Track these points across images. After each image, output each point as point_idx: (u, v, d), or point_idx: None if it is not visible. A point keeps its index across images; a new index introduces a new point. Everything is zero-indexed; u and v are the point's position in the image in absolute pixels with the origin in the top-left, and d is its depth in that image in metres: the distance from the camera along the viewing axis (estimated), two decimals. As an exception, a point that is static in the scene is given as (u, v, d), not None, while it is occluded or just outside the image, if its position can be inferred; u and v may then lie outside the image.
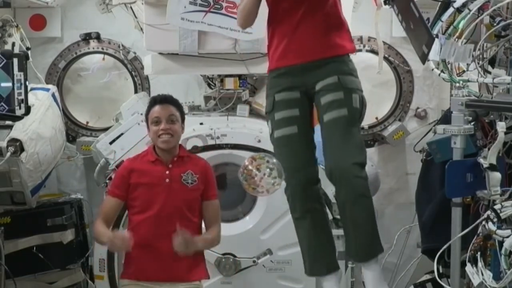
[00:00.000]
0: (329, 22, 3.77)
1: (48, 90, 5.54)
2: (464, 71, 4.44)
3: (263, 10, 3.80)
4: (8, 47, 5.41)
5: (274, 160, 3.56)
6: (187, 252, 4.12)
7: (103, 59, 6.39)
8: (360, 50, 6.19)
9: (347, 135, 3.54)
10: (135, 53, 6.30)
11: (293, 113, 3.71)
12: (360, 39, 6.19)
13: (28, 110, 4.73)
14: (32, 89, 5.15)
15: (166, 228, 4.17)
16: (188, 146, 4.89)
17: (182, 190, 4.30)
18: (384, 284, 3.66)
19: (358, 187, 3.59)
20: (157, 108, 4.33)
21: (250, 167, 3.55)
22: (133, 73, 6.34)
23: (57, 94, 5.70)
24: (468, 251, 3.93)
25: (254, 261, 5.09)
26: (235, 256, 5.09)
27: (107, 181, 5.02)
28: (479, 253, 3.84)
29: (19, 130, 4.90)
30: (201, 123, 5.22)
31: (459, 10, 4.23)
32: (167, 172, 4.31)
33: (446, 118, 4.74)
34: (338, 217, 5.05)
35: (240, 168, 3.60)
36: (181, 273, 4.28)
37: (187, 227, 4.16)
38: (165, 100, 4.40)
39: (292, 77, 3.73)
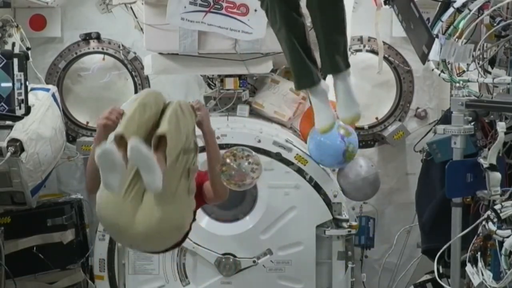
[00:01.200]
0: None
1: (48, 90, 5.54)
2: (464, 71, 4.45)
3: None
4: (8, 47, 5.40)
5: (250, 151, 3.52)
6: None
7: (103, 59, 6.37)
8: (360, 50, 6.19)
9: None
10: (135, 53, 6.29)
11: None
12: (360, 39, 6.18)
13: (28, 110, 4.73)
14: (32, 89, 5.14)
15: None
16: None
17: None
18: (354, 100, 3.58)
19: None
20: None
21: (230, 163, 3.52)
22: (133, 73, 6.33)
23: (57, 94, 5.69)
24: (468, 251, 3.93)
25: (254, 261, 5.08)
26: (235, 256, 5.08)
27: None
28: (479, 253, 3.85)
29: (19, 130, 4.90)
30: (201, 123, 5.22)
31: (459, 10, 4.24)
32: None
33: (446, 118, 4.75)
34: (339, 217, 5.08)
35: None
36: None
37: None
38: None
39: None
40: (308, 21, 3.59)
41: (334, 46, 3.53)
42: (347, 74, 3.57)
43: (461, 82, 4.38)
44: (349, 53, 3.66)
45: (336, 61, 3.53)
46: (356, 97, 3.56)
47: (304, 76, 3.59)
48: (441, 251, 4.16)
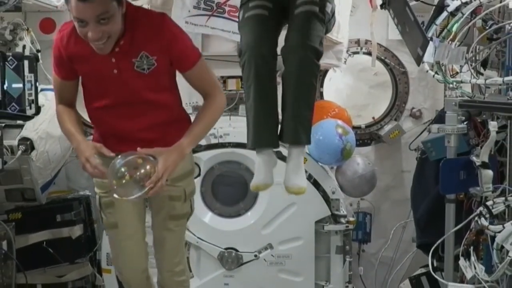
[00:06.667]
0: None
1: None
2: (457, 73, 4.45)
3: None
4: (19, 49, 5.38)
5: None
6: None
7: (111, 61, 6.37)
8: (357, 53, 6.18)
9: (312, 24, 3.36)
10: (141, 55, 6.28)
11: (267, 4, 3.49)
12: (358, 42, 6.17)
13: (38, 110, 4.73)
14: (42, 89, 5.13)
15: (128, 113, 3.43)
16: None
17: (136, 77, 3.35)
18: (302, 174, 3.42)
19: (307, 67, 3.34)
20: (78, 4, 3.09)
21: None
22: (139, 74, 6.33)
23: (66, 95, 5.68)
24: (462, 245, 3.94)
25: (255, 255, 5.08)
26: (237, 251, 5.09)
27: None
28: (472, 247, 3.86)
29: (30, 129, 4.90)
30: (205, 123, 5.21)
31: (452, 14, 4.24)
32: (113, 59, 3.31)
33: (440, 118, 4.75)
34: (337, 212, 5.08)
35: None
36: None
37: (157, 109, 3.46)
38: None
39: None
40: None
41: (301, 119, 3.39)
42: (305, 148, 3.46)
43: (454, 83, 4.38)
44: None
45: (299, 133, 3.39)
46: (303, 171, 3.43)
47: (263, 136, 3.43)
48: (435, 245, 4.16)
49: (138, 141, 3.40)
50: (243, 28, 3.49)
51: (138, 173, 3.22)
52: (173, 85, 3.57)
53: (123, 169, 3.23)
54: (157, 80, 3.40)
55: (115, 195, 3.28)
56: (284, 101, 3.41)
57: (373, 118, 6.39)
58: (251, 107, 3.42)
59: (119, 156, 3.28)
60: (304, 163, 3.42)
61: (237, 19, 4.75)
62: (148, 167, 3.25)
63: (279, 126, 3.45)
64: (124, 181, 3.22)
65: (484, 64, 4.34)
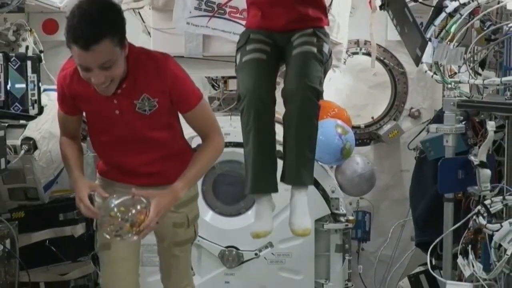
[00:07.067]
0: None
1: (60, 91, 5.53)
2: (455, 73, 4.47)
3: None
4: (22, 50, 5.40)
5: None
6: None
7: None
8: (356, 53, 6.20)
9: (311, 65, 3.36)
10: (142, 56, 6.30)
11: (265, 48, 3.51)
12: (357, 42, 6.19)
13: (41, 110, 4.74)
14: (45, 90, 5.13)
15: (129, 149, 3.45)
16: (193, 145, 4.88)
17: (138, 118, 3.35)
18: (306, 215, 3.43)
19: (308, 108, 3.36)
20: (81, 53, 3.06)
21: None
22: (140, 74, 6.34)
23: (68, 95, 5.69)
24: (460, 244, 3.95)
25: (256, 254, 5.09)
26: (238, 249, 5.09)
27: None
28: (470, 246, 3.86)
29: (33, 129, 4.90)
30: (206, 122, 5.22)
31: (451, 15, 4.26)
32: (115, 101, 3.31)
33: (438, 118, 4.76)
34: (336, 211, 5.09)
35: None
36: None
37: (158, 145, 3.46)
38: (89, 41, 3.01)
39: (270, 33, 3.56)
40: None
41: (303, 160, 3.41)
42: (307, 189, 3.46)
43: (452, 83, 4.40)
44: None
45: (302, 175, 3.40)
46: (307, 212, 3.44)
47: (262, 182, 3.43)
48: (433, 244, 4.17)
49: (140, 174, 3.48)
50: (241, 72, 3.49)
51: (129, 215, 3.23)
52: (174, 120, 3.55)
53: (115, 210, 3.24)
54: (158, 120, 3.40)
55: (105, 235, 3.31)
56: (285, 142, 3.43)
57: (372, 118, 6.41)
58: (250, 153, 3.43)
59: (114, 197, 3.30)
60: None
61: (237, 20, 4.80)
62: (139, 209, 3.25)
63: (282, 164, 3.45)
64: (115, 222, 3.24)
65: (482, 64, 4.36)
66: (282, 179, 3.45)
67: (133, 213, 3.23)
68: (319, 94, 3.38)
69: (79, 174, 3.50)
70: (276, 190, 3.47)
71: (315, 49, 3.43)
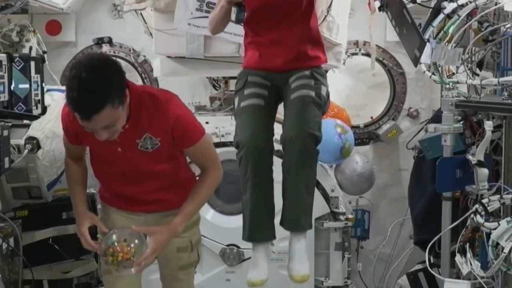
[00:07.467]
0: (306, 36, 3.58)
1: (63, 91, 5.47)
2: (453, 74, 4.47)
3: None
4: (25, 51, 5.41)
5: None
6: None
7: (115, 62, 6.39)
8: (356, 54, 6.22)
9: (310, 110, 3.38)
10: (144, 56, 6.31)
11: (263, 92, 3.53)
12: (356, 43, 6.21)
13: (44, 110, 4.75)
14: (48, 90, 5.14)
15: (131, 181, 3.46)
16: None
17: (140, 156, 3.35)
18: (305, 260, 3.49)
19: (307, 155, 3.40)
20: (83, 121, 3.11)
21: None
22: (143, 75, 6.35)
23: (71, 95, 5.69)
24: (458, 242, 3.97)
25: (256, 252, 5.10)
26: (238, 247, 5.11)
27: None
28: (468, 244, 3.87)
29: (36, 129, 4.91)
30: (207, 122, 5.22)
31: (449, 16, 4.26)
32: (118, 140, 3.29)
33: (436, 118, 4.77)
34: (336, 210, 5.10)
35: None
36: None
37: (161, 177, 3.46)
38: (90, 113, 3.05)
39: (267, 73, 3.59)
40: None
41: (301, 206, 3.43)
42: (306, 234, 3.49)
43: (450, 83, 4.41)
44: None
45: (300, 220, 3.43)
46: (306, 257, 3.48)
47: (260, 229, 3.48)
48: (432, 242, 4.18)
49: (142, 202, 3.51)
50: (240, 119, 3.51)
51: (128, 251, 3.29)
52: (178, 152, 3.51)
53: (115, 245, 3.30)
54: (160, 155, 3.39)
55: (106, 268, 3.41)
56: (284, 187, 3.45)
57: (372, 117, 6.43)
58: (248, 202, 3.45)
59: (114, 231, 3.37)
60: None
61: (238, 21, 4.80)
62: (138, 245, 3.31)
63: (282, 207, 3.48)
64: (113, 257, 3.29)
65: (480, 65, 4.36)
66: (281, 224, 3.48)
67: (131, 251, 3.29)
68: (317, 140, 3.41)
69: (81, 207, 3.56)
70: (273, 237, 3.53)
71: (313, 93, 3.45)
